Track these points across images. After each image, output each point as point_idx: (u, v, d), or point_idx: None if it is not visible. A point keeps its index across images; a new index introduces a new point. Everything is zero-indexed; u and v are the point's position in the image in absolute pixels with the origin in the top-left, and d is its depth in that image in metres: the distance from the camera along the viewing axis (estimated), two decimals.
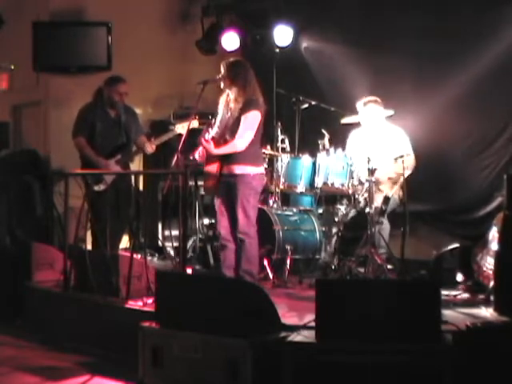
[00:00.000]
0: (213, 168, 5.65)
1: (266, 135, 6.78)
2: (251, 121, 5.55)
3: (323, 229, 6.78)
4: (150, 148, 6.73)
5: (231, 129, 5.59)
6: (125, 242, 7.28)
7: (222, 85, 5.67)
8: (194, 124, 6.19)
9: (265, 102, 5.72)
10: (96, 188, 6.46)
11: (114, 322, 5.21)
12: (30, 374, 4.78)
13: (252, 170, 5.60)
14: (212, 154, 5.61)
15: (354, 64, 7.67)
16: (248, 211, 5.57)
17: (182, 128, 6.34)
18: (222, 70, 5.65)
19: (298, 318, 4.69)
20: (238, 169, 5.57)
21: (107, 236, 5.80)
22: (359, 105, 6.72)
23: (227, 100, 5.70)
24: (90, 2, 8.64)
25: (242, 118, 5.54)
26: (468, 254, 5.67)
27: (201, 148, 5.72)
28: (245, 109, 5.55)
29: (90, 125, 6.65)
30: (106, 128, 6.66)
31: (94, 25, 8.61)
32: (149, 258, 7.26)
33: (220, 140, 5.62)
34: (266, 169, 6.96)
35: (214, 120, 5.80)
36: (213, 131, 5.68)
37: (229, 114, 5.66)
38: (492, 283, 5.06)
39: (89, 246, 6.46)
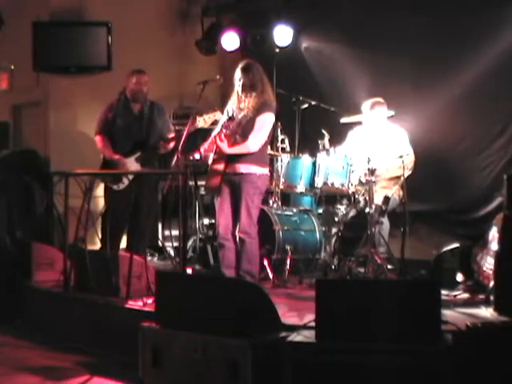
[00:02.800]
0: (220, 167, 5.65)
1: None
2: (266, 122, 5.61)
3: (323, 229, 6.78)
4: (164, 148, 6.65)
5: (243, 129, 5.60)
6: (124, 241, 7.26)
7: (239, 90, 5.65)
8: (217, 116, 5.96)
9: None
10: (115, 187, 6.43)
11: (114, 322, 5.21)
12: (30, 374, 4.78)
13: (257, 170, 5.63)
14: (224, 153, 5.61)
15: (353, 64, 7.68)
16: (251, 211, 5.58)
17: (203, 121, 6.19)
18: (240, 76, 5.63)
19: (298, 317, 4.69)
20: (244, 168, 5.59)
21: (119, 236, 5.80)
22: (365, 107, 6.70)
23: (239, 101, 5.70)
24: (90, 2, 8.64)
25: (257, 119, 5.57)
26: (468, 254, 5.67)
27: (208, 142, 5.71)
28: (260, 110, 5.59)
29: (111, 122, 6.60)
30: (126, 124, 6.57)
31: (94, 25, 8.61)
32: (149, 258, 7.26)
33: (230, 140, 5.63)
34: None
35: (224, 119, 5.80)
36: (216, 131, 5.70)
37: (241, 114, 5.66)
38: (492, 283, 5.06)
39: (94, 246, 6.48)
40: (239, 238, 5.60)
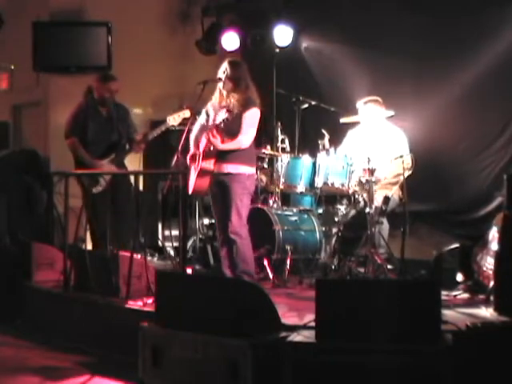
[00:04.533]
0: (209, 165, 5.62)
1: (265, 135, 6.78)
2: (254, 118, 5.60)
3: (323, 229, 6.78)
4: (138, 148, 6.69)
5: (230, 126, 5.57)
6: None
7: (222, 85, 5.67)
8: (186, 114, 6.16)
9: (263, 103, 5.75)
10: (94, 190, 6.43)
11: (114, 322, 5.21)
12: (30, 374, 4.77)
13: (246, 170, 5.62)
14: (212, 153, 5.60)
15: (353, 64, 7.68)
16: (241, 211, 5.57)
17: (173, 119, 6.30)
18: (226, 71, 5.64)
19: (298, 317, 4.69)
20: (233, 168, 5.58)
21: (107, 237, 5.79)
22: (359, 104, 6.71)
23: (221, 99, 5.70)
24: (90, 2, 8.64)
25: (244, 115, 5.56)
26: (468, 254, 5.67)
27: (191, 152, 5.72)
28: (246, 106, 5.58)
29: (82, 125, 6.60)
30: (97, 127, 6.61)
31: (94, 25, 8.63)
32: (149, 258, 7.27)
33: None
34: (265, 169, 6.98)
35: (203, 119, 5.81)
36: (194, 133, 5.71)
37: (224, 112, 5.64)
38: (492, 283, 5.06)
39: (89, 247, 6.47)
40: (230, 238, 5.57)
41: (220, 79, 5.66)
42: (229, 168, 5.58)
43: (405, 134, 6.65)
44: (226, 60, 5.75)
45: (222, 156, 5.58)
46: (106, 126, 6.63)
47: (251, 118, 5.58)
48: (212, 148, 5.56)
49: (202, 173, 5.63)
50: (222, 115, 5.47)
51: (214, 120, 5.69)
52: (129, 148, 6.69)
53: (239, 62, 5.81)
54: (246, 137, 5.58)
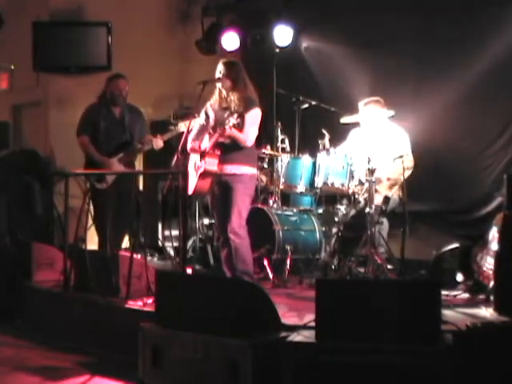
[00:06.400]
0: (213, 167, 5.61)
1: (265, 135, 6.78)
2: (254, 118, 5.60)
3: (323, 229, 6.78)
4: (158, 143, 6.69)
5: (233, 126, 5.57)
6: (125, 241, 7.27)
7: (220, 85, 5.67)
8: (197, 121, 6.17)
9: (263, 103, 5.75)
10: (98, 186, 6.45)
11: (114, 322, 5.21)
12: (30, 374, 4.77)
13: (249, 171, 5.64)
14: (220, 151, 5.59)
15: (353, 64, 7.68)
16: (242, 211, 5.57)
17: (184, 126, 6.33)
18: (222, 71, 5.65)
19: (297, 317, 4.69)
20: (235, 168, 5.59)
21: (107, 235, 5.79)
22: (360, 104, 6.71)
23: (220, 100, 5.71)
24: (90, 2, 8.65)
25: (247, 115, 5.56)
26: (468, 254, 5.67)
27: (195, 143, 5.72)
28: (247, 107, 5.58)
29: (94, 124, 6.64)
30: (109, 127, 6.65)
31: (94, 25, 8.64)
32: (149, 258, 7.27)
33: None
34: (265, 169, 6.98)
35: (205, 118, 5.82)
36: (192, 134, 5.71)
37: (226, 113, 5.65)
38: (492, 283, 5.06)
39: (94, 245, 6.47)
40: (230, 239, 5.57)
41: (219, 79, 5.66)
42: (232, 169, 5.59)
43: (406, 133, 6.65)
44: (220, 61, 5.75)
45: (224, 157, 5.59)
46: (117, 126, 6.66)
47: (252, 118, 5.58)
48: (216, 150, 5.58)
49: (204, 174, 5.63)
50: (233, 120, 5.46)
51: (216, 121, 5.68)
52: (139, 148, 6.71)
53: (233, 62, 5.80)
54: (249, 137, 5.59)
